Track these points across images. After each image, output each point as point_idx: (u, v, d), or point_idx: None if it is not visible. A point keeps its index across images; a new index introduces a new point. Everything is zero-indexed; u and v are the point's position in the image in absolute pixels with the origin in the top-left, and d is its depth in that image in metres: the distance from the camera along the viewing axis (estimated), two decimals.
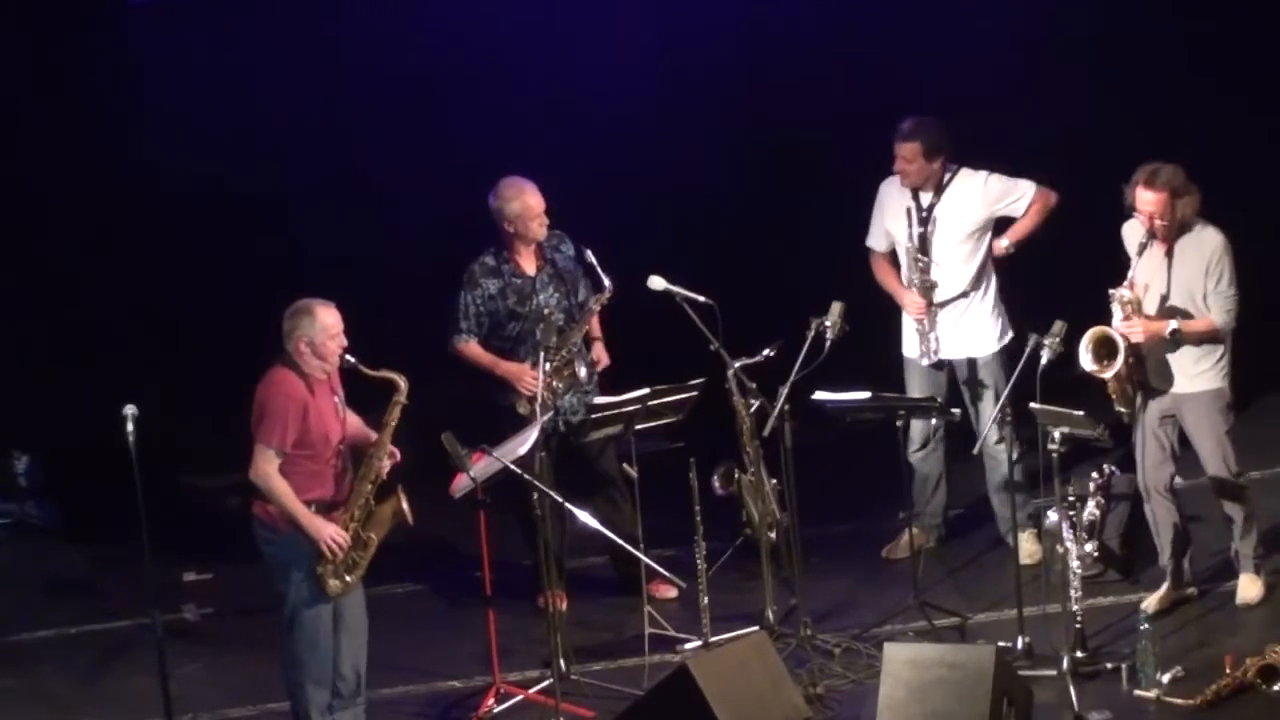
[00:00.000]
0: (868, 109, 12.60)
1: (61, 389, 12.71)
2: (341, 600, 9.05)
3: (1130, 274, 9.41)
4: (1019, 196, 10.40)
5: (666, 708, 8.65)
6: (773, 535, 10.09)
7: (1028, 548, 10.30)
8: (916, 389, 10.49)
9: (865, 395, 9.88)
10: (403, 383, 9.00)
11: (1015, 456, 10.03)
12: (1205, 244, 9.37)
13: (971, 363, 10.46)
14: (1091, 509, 10.07)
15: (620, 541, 9.56)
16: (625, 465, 10.09)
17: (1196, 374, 9.46)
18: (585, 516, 9.31)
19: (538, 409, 9.82)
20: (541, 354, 9.97)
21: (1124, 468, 10.15)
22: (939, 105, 10.60)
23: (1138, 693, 9.01)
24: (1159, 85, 12.78)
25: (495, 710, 9.46)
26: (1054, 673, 9.14)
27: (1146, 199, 9.33)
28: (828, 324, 9.88)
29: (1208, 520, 9.77)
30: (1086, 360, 9.34)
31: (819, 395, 9.84)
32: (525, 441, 9.40)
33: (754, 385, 9.93)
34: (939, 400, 10.16)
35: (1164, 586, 9.77)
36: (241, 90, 12.93)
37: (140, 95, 12.93)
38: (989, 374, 10.41)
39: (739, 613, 10.06)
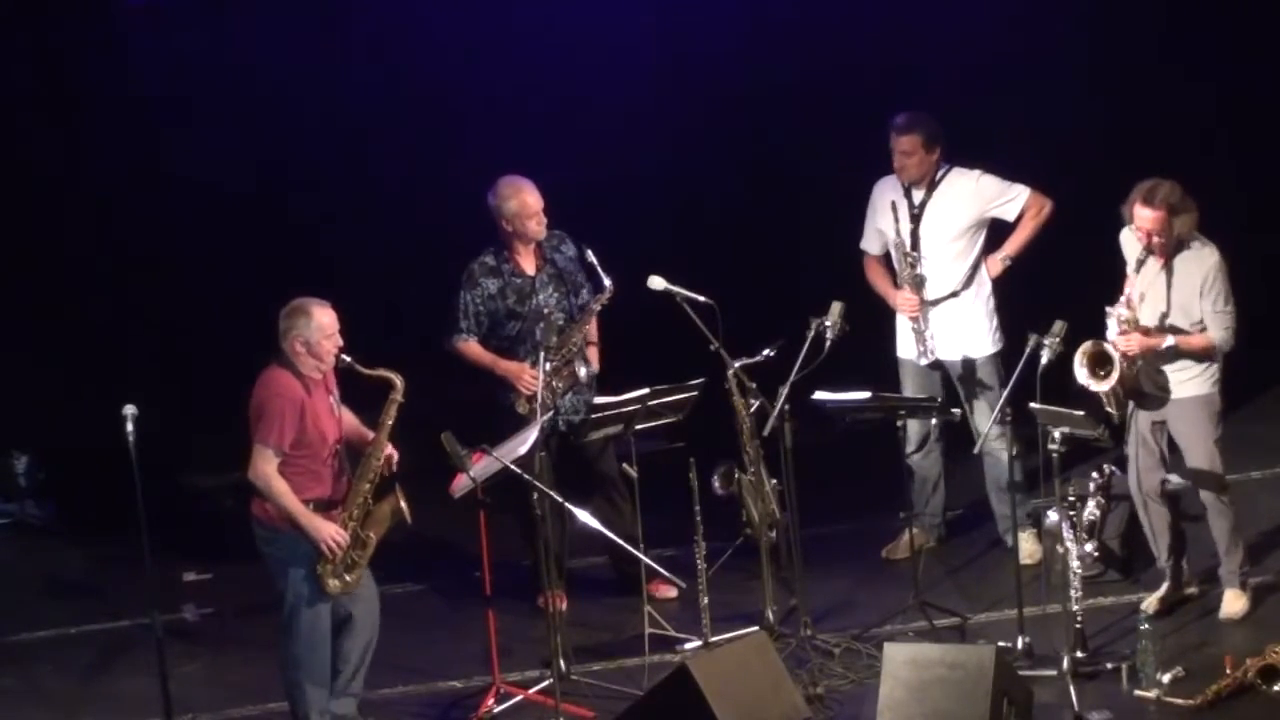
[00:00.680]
0: (868, 109, 12.59)
1: (61, 389, 12.71)
2: (351, 601, 9.05)
3: (1127, 291, 9.40)
4: (1012, 198, 10.38)
5: (666, 708, 8.65)
6: (773, 535, 10.09)
7: (1028, 548, 10.30)
8: (912, 389, 10.48)
9: (865, 395, 9.87)
10: (399, 381, 9.01)
11: (1006, 457, 10.06)
12: (1203, 262, 9.35)
13: (967, 363, 10.45)
14: (1091, 509, 10.08)
15: (620, 541, 9.56)
16: (625, 465, 10.08)
17: (1186, 379, 9.45)
18: (585, 516, 9.30)
19: (537, 409, 9.82)
20: (542, 354, 9.98)
21: (1124, 468, 10.14)
22: (938, 106, 10.59)
23: (1138, 693, 9.01)
24: (1158, 86, 12.79)
25: (495, 710, 9.46)
26: (1054, 673, 9.14)
27: (1144, 216, 9.32)
28: (828, 324, 9.87)
29: (1203, 520, 9.76)
30: (1082, 375, 9.33)
31: (819, 395, 9.84)
32: (525, 441, 9.41)
33: (754, 385, 9.93)
34: (939, 401, 10.14)
35: (1164, 586, 9.76)
36: (241, 90, 12.93)
37: (140, 95, 12.93)
38: (985, 374, 10.40)
39: (739, 613, 10.06)
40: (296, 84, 12.92)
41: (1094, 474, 10.17)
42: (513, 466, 9.15)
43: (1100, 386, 9.35)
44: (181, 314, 12.94)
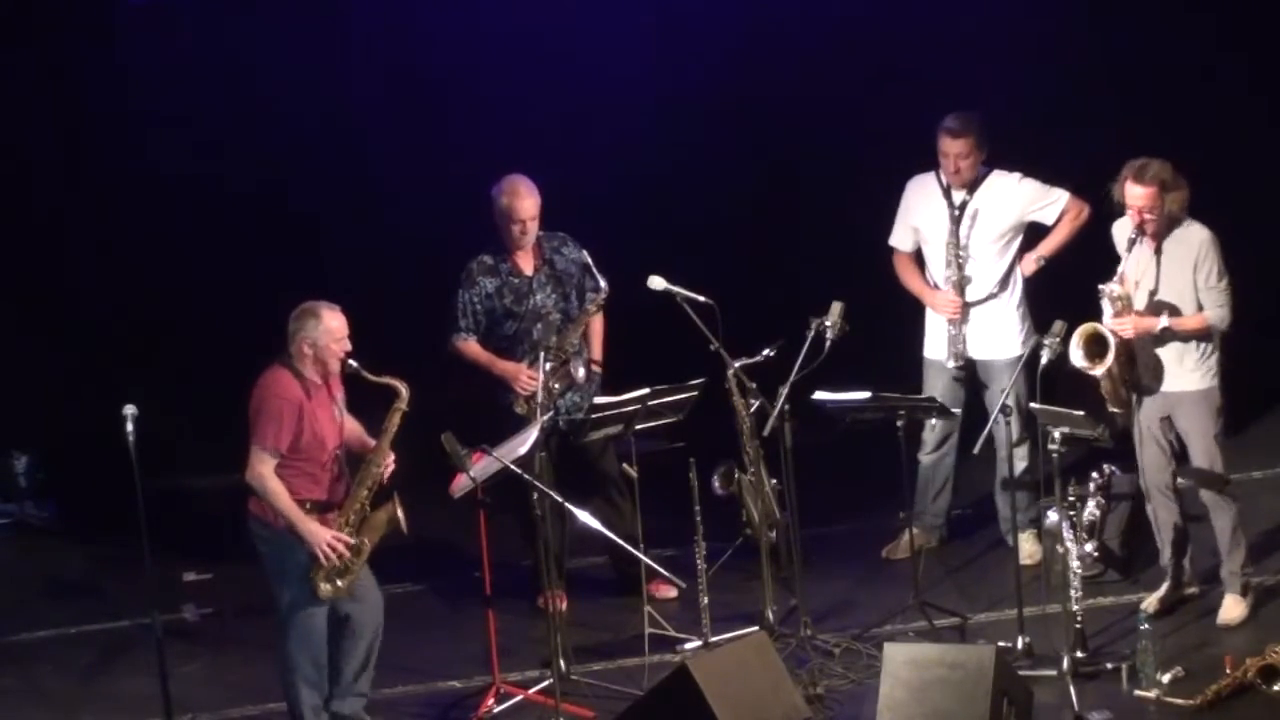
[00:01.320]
0: (868, 110, 12.62)
1: (61, 389, 12.71)
2: (350, 601, 9.04)
3: (1120, 269, 9.41)
4: (1052, 202, 10.36)
5: (666, 708, 8.64)
6: (773, 535, 10.09)
7: (1028, 548, 10.30)
8: (938, 391, 10.42)
9: (865, 395, 9.87)
10: (404, 390, 8.99)
11: (1027, 460, 10.07)
12: (1192, 240, 9.36)
13: (997, 364, 10.41)
14: (1091, 509, 10.08)
15: (620, 541, 9.56)
16: (625, 465, 10.09)
17: (1187, 372, 9.45)
18: (585, 516, 9.30)
19: (537, 409, 9.82)
20: (541, 354, 9.98)
21: (1124, 468, 10.15)
22: (939, 106, 10.59)
23: (1138, 693, 9.01)
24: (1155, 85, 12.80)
25: (495, 710, 9.46)
26: (1054, 673, 9.14)
27: (1136, 193, 9.32)
28: (828, 324, 9.87)
29: (1209, 520, 9.76)
30: (1077, 357, 9.33)
31: (819, 395, 9.84)
32: (525, 441, 9.41)
33: (754, 385, 9.93)
34: (939, 402, 10.12)
35: (1164, 586, 9.77)
36: (242, 90, 12.93)
37: (140, 94, 12.93)
38: (1012, 376, 10.32)
39: (739, 613, 10.06)
40: (296, 84, 12.91)
41: (1094, 474, 10.17)
42: (513, 466, 9.15)
43: (1095, 370, 9.34)
44: (182, 314, 12.93)
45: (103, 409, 9.33)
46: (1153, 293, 9.41)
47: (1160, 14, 12.58)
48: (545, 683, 9.45)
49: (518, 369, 10.21)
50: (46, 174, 12.97)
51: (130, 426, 8.88)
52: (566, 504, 9.34)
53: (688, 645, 9.83)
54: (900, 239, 10.59)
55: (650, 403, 9.96)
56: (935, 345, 10.55)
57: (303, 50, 12.92)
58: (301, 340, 8.87)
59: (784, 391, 9.76)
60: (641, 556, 9.55)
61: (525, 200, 10.13)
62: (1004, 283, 10.43)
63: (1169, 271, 9.39)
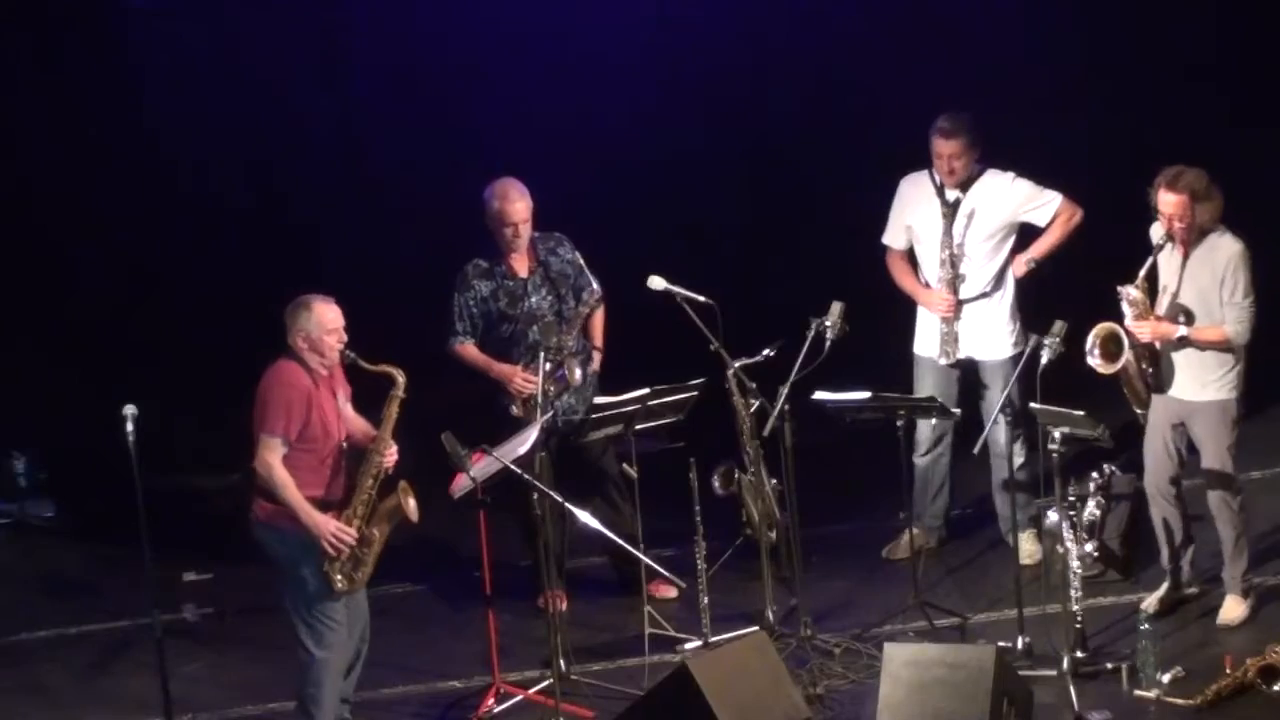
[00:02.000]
0: (868, 110, 12.63)
1: (61, 389, 12.71)
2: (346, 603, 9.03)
3: (1141, 273, 9.40)
4: (1045, 203, 10.35)
5: (666, 708, 8.64)
6: (773, 535, 10.10)
7: (1028, 548, 10.30)
8: (929, 388, 10.42)
9: (865, 395, 9.86)
10: (400, 377, 9.00)
11: (1024, 458, 10.06)
12: (1221, 252, 9.34)
13: (989, 364, 10.43)
14: (1091, 509, 10.07)
15: (620, 541, 9.56)
16: (625, 465, 10.08)
17: (1207, 383, 9.43)
18: (585, 516, 9.30)
19: (536, 410, 9.82)
20: (541, 354, 9.98)
21: (1124, 468, 10.15)
22: (937, 106, 10.59)
23: (1138, 693, 9.02)
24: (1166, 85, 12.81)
25: (495, 710, 9.46)
26: (1054, 673, 9.14)
27: (1167, 200, 9.32)
28: (828, 324, 9.87)
29: (1209, 520, 9.76)
30: (1093, 356, 9.34)
31: (819, 395, 9.83)
32: (525, 441, 9.41)
33: (754, 385, 9.94)
34: (938, 400, 10.12)
35: (1164, 586, 9.77)
36: (242, 90, 12.93)
37: (140, 94, 12.94)
38: (1005, 376, 10.33)
39: (739, 613, 10.06)
40: (296, 84, 12.92)
41: (1094, 474, 10.17)
42: (513, 467, 9.15)
43: (1108, 370, 9.35)
44: (181, 314, 12.94)
45: (103, 409, 9.33)
46: (1175, 297, 9.41)
47: (1160, 14, 12.60)
48: (545, 683, 9.44)
49: (513, 372, 10.20)
50: (46, 174, 12.97)
51: (130, 426, 8.88)
52: (567, 504, 9.34)
53: (688, 645, 9.83)
54: (893, 237, 10.59)
55: (650, 403, 9.96)
56: (926, 342, 10.55)
57: (303, 50, 12.92)
58: (297, 333, 8.88)
59: (784, 391, 9.76)
60: (641, 556, 9.55)
61: (516, 204, 10.11)
62: (996, 282, 10.42)
63: (1193, 280, 9.38)
